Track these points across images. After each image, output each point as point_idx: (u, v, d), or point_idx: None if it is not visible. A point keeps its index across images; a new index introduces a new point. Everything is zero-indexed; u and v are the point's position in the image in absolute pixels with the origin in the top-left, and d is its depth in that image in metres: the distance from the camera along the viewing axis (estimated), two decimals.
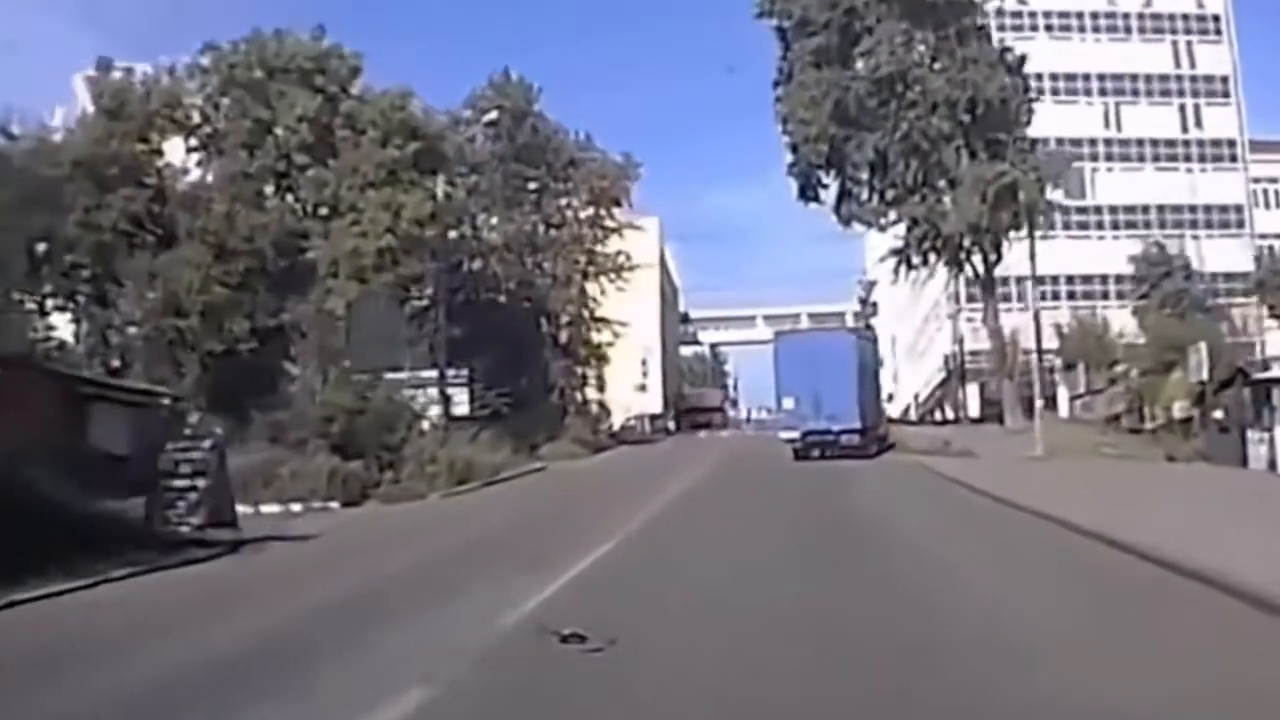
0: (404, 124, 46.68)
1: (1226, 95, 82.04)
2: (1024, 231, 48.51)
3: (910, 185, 51.47)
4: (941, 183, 51.61)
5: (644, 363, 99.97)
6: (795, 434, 39.06)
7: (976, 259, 53.85)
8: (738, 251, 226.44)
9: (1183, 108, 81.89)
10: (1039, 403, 55.00)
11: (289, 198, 46.19)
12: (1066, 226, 71.33)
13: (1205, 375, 36.18)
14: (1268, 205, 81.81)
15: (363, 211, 44.28)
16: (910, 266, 56.13)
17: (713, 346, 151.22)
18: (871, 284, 68.52)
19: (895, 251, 55.73)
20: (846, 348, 41.34)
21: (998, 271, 63.03)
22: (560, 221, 57.45)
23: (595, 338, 59.32)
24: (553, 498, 30.67)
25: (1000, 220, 50.01)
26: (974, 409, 69.49)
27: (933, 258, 55.19)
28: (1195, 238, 77.83)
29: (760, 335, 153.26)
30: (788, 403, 39.99)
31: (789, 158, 53.70)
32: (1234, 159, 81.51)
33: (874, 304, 66.70)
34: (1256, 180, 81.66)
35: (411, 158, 45.80)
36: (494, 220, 56.69)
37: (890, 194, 53.22)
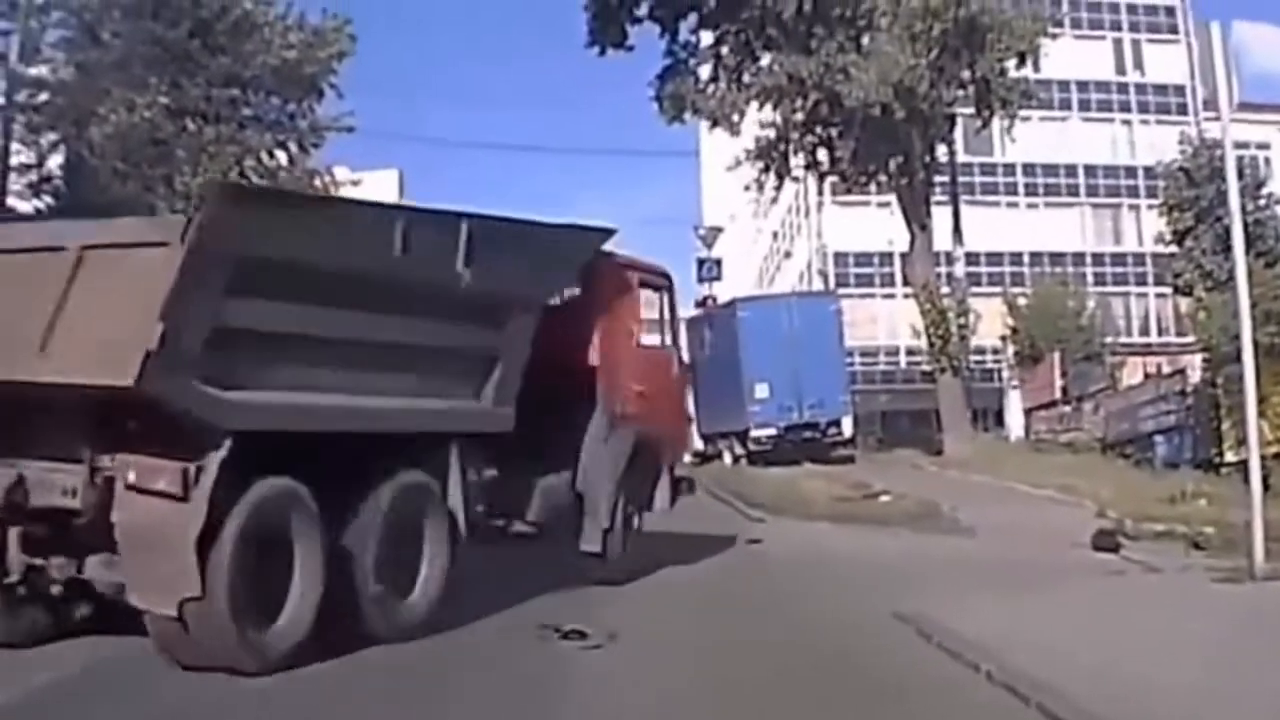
0: None
1: (1174, 30, 64.37)
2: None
3: (790, 27, 30.02)
4: (840, 38, 30.29)
5: None
6: (771, 430, 33.34)
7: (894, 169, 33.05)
8: None
9: (1118, 44, 65.39)
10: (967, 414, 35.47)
11: None
12: (969, 190, 53.47)
13: None
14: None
15: None
16: (785, 173, 35.06)
17: None
18: (715, 232, 47.02)
19: (761, 148, 34.55)
20: (831, 317, 34.98)
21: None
22: (206, 111, 35.17)
23: None
24: None
25: (938, 95, 29.61)
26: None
27: (824, 156, 34.15)
28: (1134, 208, 61.67)
29: None
30: (760, 390, 33.33)
31: None
32: (1183, 110, 63.93)
33: (716, 263, 45.25)
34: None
35: None
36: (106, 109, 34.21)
37: (746, 66, 31.90)
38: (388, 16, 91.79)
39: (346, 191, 38.05)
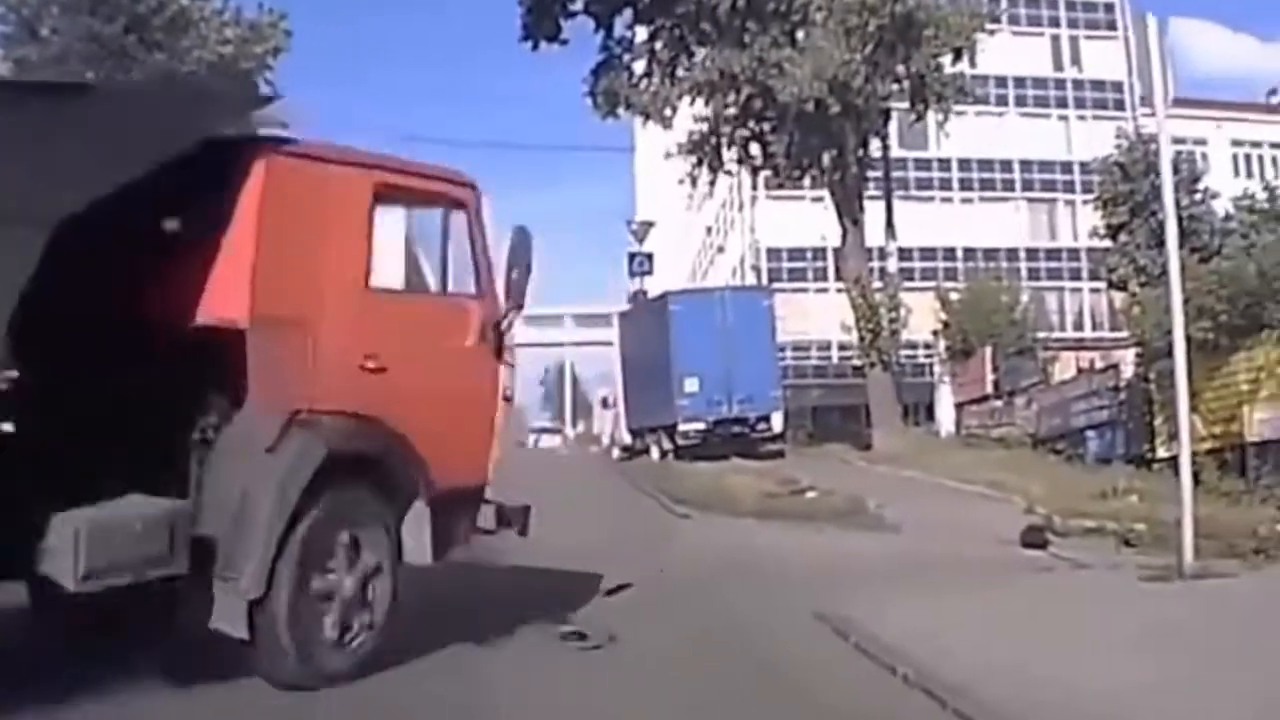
0: None
1: (1111, 27, 63.90)
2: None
3: (724, 22, 29.81)
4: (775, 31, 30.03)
5: None
6: (699, 425, 32.42)
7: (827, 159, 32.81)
8: None
9: (1055, 40, 64.81)
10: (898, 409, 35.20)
11: None
12: (904, 185, 53.04)
13: None
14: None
15: None
16: (717, 167, 34.73)
17: None
18: (646, 227, 47.09)
19: (694, 141, 34.37)
20: (764, 312, 34.15)
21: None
22: None
23: None
24: None
25: (873, 90, 29.36)
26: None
27: (757, 151, 33.79)
28: (1070, 203, 61.14)
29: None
30: (689, 384, 32.58)
31: None
32: (1121, 106, 63.65)
33: (648, 258, 45.68)
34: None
35: None
36: None
37: (680, 61, 31.65)
38: (326, 9, 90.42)
39: None
